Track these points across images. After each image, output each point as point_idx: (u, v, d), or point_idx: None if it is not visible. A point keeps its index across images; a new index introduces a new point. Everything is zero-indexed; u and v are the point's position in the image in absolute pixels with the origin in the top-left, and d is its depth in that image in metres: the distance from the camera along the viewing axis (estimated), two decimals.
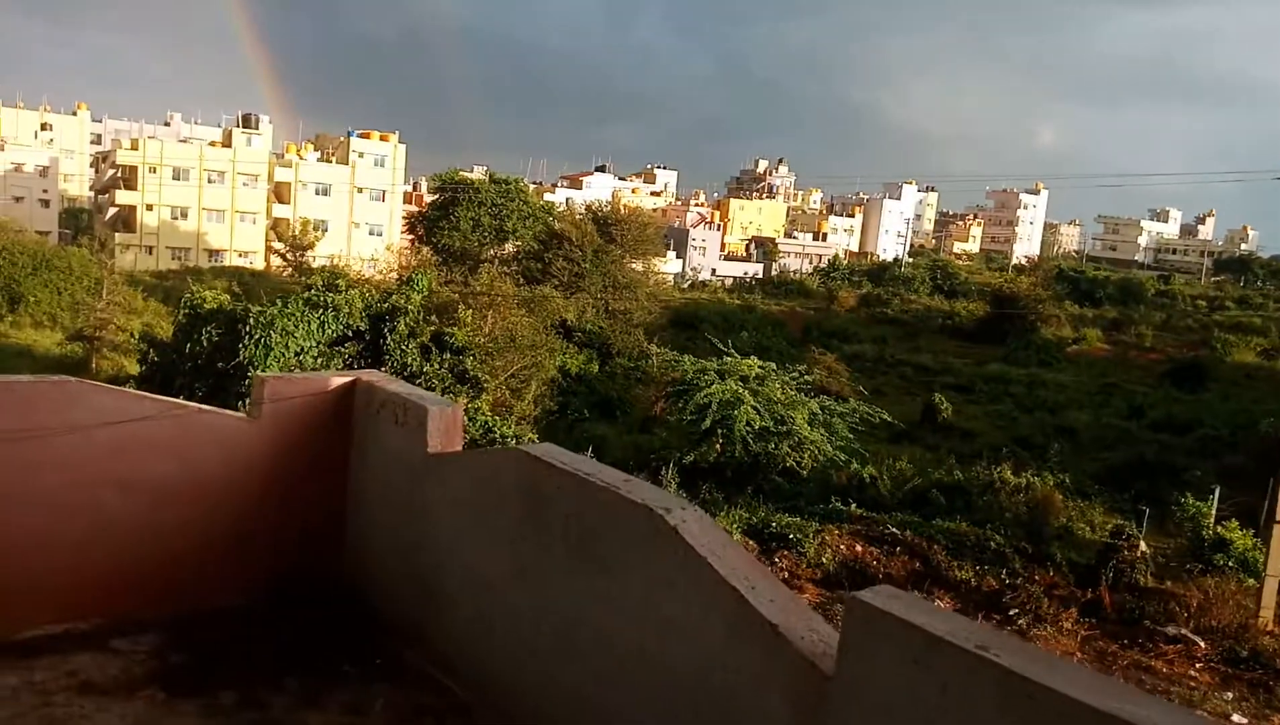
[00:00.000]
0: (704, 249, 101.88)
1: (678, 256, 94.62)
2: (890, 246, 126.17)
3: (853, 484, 25.84)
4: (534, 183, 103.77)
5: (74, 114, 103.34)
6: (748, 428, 26.16)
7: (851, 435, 27.70)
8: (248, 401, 6.78)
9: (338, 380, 6.25)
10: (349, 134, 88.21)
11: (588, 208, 65.95)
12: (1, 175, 77.24)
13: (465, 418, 21.70)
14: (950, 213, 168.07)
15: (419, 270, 34.66)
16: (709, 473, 26.14)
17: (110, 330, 42.68)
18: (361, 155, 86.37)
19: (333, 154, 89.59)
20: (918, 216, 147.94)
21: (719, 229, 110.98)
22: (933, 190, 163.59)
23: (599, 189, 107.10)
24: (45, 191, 79.32)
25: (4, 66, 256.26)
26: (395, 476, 5.70)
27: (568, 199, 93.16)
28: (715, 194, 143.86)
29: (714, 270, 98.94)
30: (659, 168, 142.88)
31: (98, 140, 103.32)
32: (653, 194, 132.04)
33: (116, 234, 74.54)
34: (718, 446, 26.41)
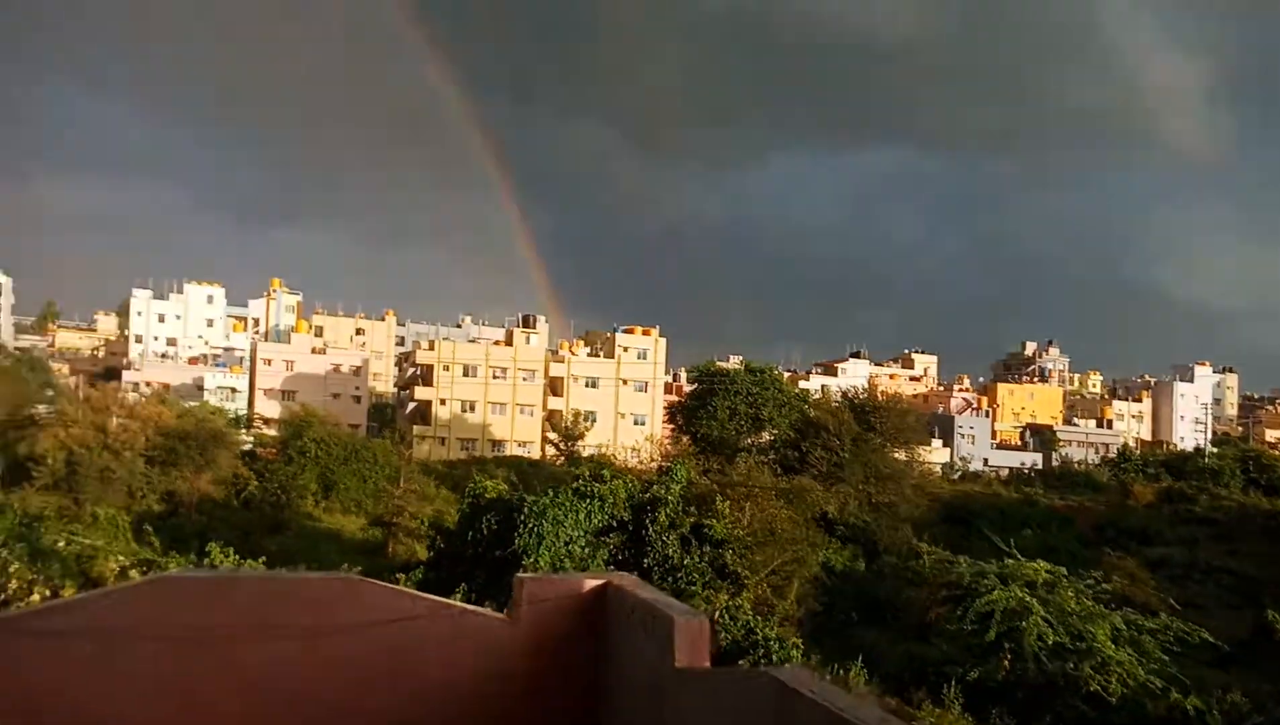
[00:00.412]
0: (972, 437, 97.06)
1: (944, 445, 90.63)
2: (1188, 434, 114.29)
3: (1174, 718, 22.22)
4: (788, 370, 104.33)
5: (382, 320, 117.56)
6: (1039, 643, 23.51)
7: (1166, 657, 24.06)
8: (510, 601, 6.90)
9: (591, 582, 6.22)
10: (614, 330, 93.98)
11: (844, 395, 65.23)
12: (324, 375, 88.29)
13: (726, 617, 21.22)
14: (1255, 396, 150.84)
15: (678, 460, 35.31)
16: (998, 694, 23.44)
17: (405, 517, 46.39)
18: (626, 349, 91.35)
19: (601, 349, 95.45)
20: (1217, 401, 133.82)
21: (988, 415, 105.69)
22: (1231, 371, 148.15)
23: (854, 375, 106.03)
24: (357, 389, 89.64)
25: (328, 282, 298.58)
26: (644, 689, 5.47)
27: (823, 386, 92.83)
28: (980, 378, 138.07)
29: (985, 460, 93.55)
30: (917, 352, 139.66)
31: (401, 342, 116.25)
32: (912, 379, 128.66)
33: (415, 426, 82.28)
34: (1005, 663, 23.83)
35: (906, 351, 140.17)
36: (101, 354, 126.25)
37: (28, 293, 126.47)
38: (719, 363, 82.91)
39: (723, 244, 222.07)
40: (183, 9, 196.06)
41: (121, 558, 24.25)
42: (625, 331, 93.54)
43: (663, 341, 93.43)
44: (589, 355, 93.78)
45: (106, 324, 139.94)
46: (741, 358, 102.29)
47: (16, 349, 79.06)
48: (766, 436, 64.03)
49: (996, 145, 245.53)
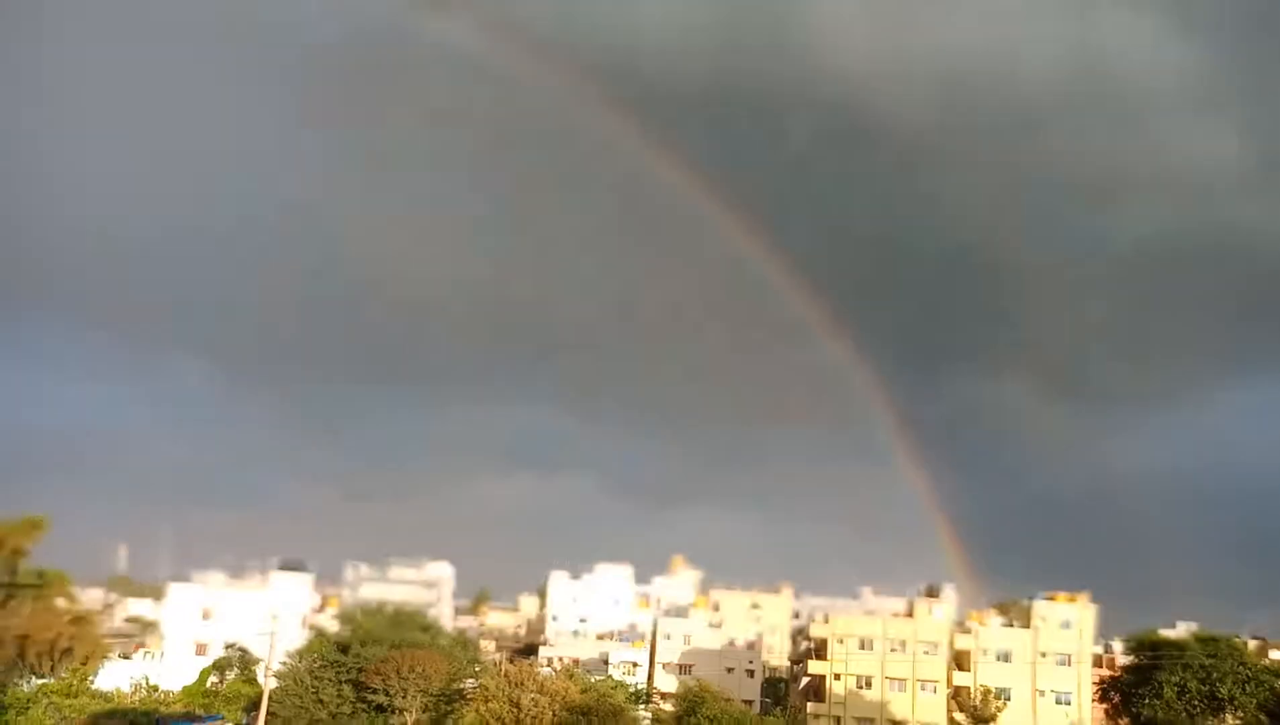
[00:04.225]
0: None
1: None
2: None
3: None
4: (1255, 639, 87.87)
5: (778, 592, 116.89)
6: None
7: None
8: None
9: None
10: (1032, 597, 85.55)
11: None
12: (719, 649, 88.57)
13: None
14: None
15: None
16: None
17: None
18: (1045, 619, 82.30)
19: (1015, 618, 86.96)
20: None
21: None
22: None
23: None
24: (750, 663, 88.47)
25: (728, 557, 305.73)
26: None
27: None
28: None
29: None
30: None
31: (796, 615, 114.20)
32: None
33: (808, 703, 78.72)
34: None
35: None
36: (523, 632, 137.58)
37: (466, 578, 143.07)
38: (1162, 631, 72.59)
39: (1165, 494, 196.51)
40: (596, 325, 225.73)
41: None
42: (1046, 598, 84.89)
43: (1091, 608, 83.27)
44: (1002, 625, 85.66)
45: (528, 604, 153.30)
46: (1193, 625, 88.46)
47: (455, 629, 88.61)
48: (1229, 720, 53.00)
49: None
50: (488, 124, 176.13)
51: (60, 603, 69.68)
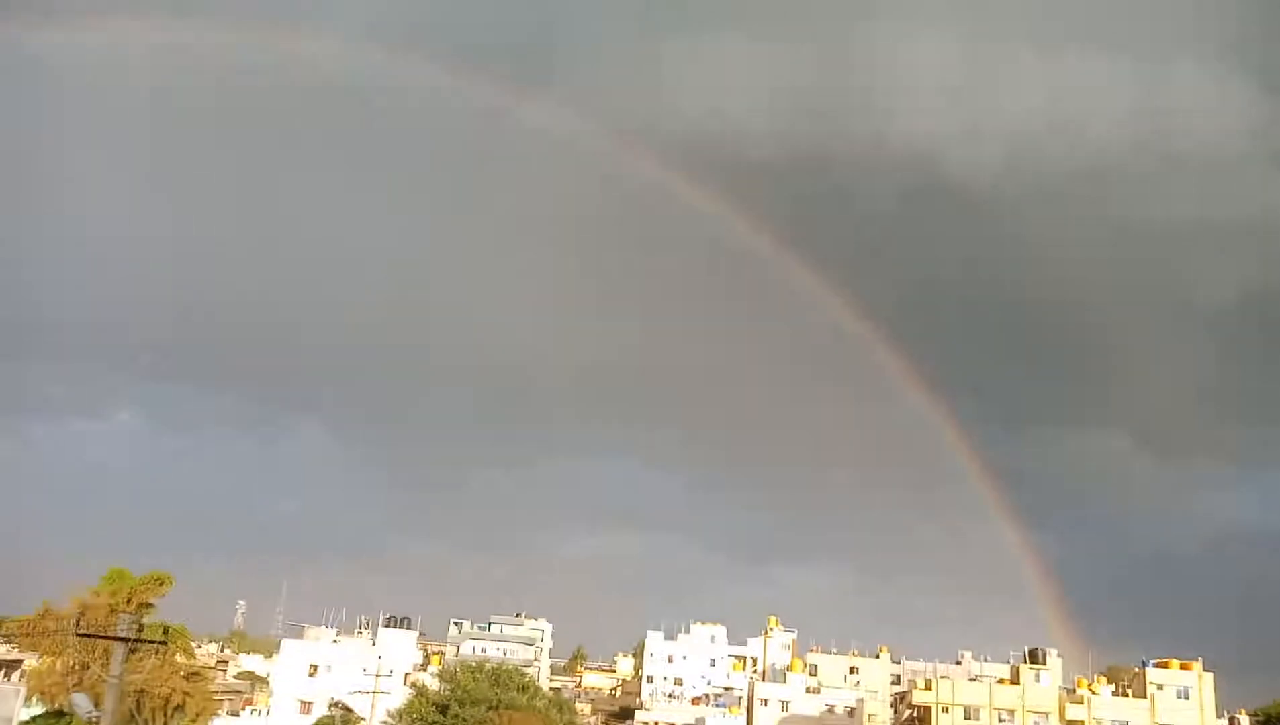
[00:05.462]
0: None
1: None
2: None
3: None
4: None
5: (876, 656, 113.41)
6: None
7: None
8: None
9: None
10: (1143, 664, 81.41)
11: None
12: (818, 716, 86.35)
13: None
14: None
15: None
16: None
17: None
18: (1160, 687, 78.10)
19: (1128, 686, 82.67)
20: None
21: None
22: None
23: None
24: None
25: (823, 617, 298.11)
26: None
27: None
28: None
29: None
30: None
31: (896, 680, 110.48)
32: None
33: None
34: None
35: None
36: (619, 694, 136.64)
37: (562, 635, 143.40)
38: None
39: (1275, 555, 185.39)
40: (688, 384, 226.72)
41: None
42: (1157, 665, 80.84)
43: (1208, 676, 78.88)
44: (1113, 694, 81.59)
45: (624, 664, 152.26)
46: None
47: (550, 689, 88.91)
48: None
49: None
50: (577, 200, 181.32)
51: (179, 658, 72.69)
